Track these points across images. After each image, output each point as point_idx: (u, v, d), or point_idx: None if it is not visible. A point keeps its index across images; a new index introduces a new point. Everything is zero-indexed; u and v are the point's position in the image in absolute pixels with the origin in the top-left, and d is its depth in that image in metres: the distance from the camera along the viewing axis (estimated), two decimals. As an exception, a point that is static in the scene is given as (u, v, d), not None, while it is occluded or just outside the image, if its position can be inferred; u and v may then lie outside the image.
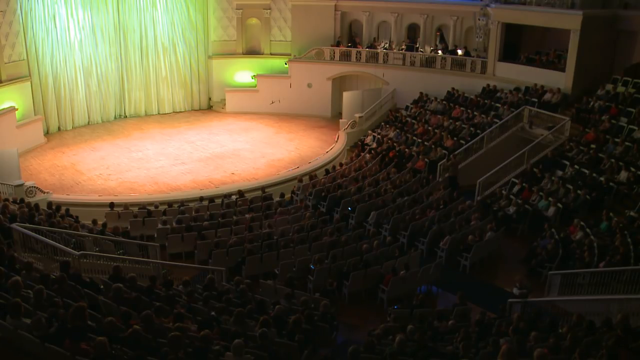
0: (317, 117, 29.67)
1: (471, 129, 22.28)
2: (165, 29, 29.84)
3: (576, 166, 17.69)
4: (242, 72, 31.42)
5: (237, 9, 30.70)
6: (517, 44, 25.52)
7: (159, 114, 30.69)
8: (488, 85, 24.70)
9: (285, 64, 30.26)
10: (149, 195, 19.41)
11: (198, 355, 7.25)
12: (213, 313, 9.13)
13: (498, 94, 23.90)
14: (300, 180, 19.93)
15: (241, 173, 22.05)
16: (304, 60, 30.00)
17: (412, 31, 29.72)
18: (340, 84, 30.33)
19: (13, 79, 24.06)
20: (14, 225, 12.21)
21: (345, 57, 29.38)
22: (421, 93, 26.73)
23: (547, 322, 10.03)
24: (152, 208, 17.11)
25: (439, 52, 27.83)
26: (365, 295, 13.27)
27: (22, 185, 17.87)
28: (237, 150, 24.70)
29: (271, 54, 31.38)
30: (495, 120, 21.89)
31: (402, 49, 28.57)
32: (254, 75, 30.99)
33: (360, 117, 26.37)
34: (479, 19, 25.14)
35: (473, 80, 25.49)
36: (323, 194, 18.57)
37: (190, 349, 7.29)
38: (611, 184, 16.24)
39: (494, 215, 16.98)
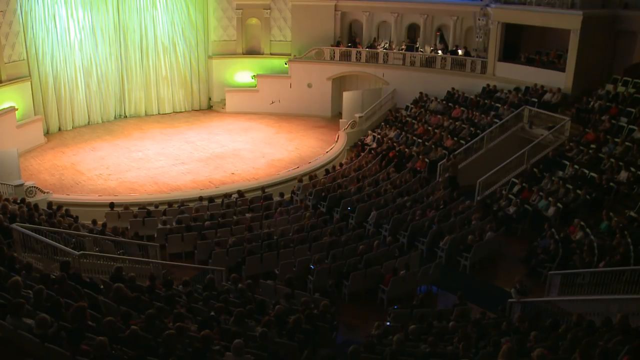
0: (317, 117, 29.68)
1: (471, 129, 22.29)
2: (165, 28, 29.85)
3: (576, 166, 17.68)
4: (242, 72, 31.43)
5: (237, 9, 30.71)
6: (517, 44, 25.52)
7: (159, 114, 30.71)
8: (488, 85, 24.71)
9: (285, 64, 30.27)
10: (149, 195, 19.42)
11: (198, 355, 7.25)
12: (212, 313, 9.12)
13: (498, 94, 23.90)
14: (300, 180, 19.93)
15: (241, 173, 22.06)
16: (304, 60, 30.01)
17: (412, 31, 29.74)
18: (340, 84, 30.34)
19: (13, 79, 24.06)
20: (14, 225, 12.20)
21: (345, 57, 29.39)
22: (421, 93, 26.73)
23: (547, 322, 10.03)
24: (152, 208, 17.12)
25: (439, 52, 27.84)
26: (365, 295, 13.26)
27: (22, 185, 17.87)
28: (237, 150, 24.71)
29: (271, 54, 31.40)
30: (495, 120, 21.89)
31: (402, 49, 28.57)
32: (254, 75, 31.01)
33: (360, 117, 26.37)
34: (479, 19, 25.16)
35: (473, 80, 25.50)
36: (323, 194, 18.57)
37: (190, 349, 7.29)
38: (611, 184, 16.23)
39: (494, 215, 16.98)
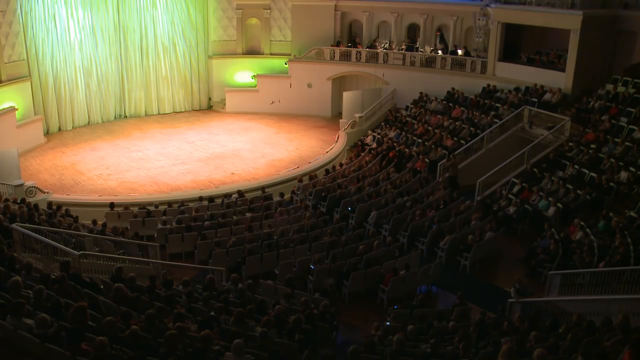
0: (317, 117, 29.68)
1: (471, 129, 22.28)
2: (165, 28, 29.85)
3: (576, 166, 17.69)
4: (242, 72, 31.43)
5: (237, 9, 30.71)
6: (517, 44, 25.53)
7: (159, 114, 30.71)
8: (488, 85, 24.71)
9: (285, 64, 30.27)
10: (149, 195, 19.42)
11: (198, 355, 7.25)
12: (212, 313, 9.13)
13: (498, 94, 23.90)
14: (300, 180, 19.93)
15: (241, 173, 22.06)
16: (304, 60, 30.01)
17: (412, 31, 29.74)
18: (340, 84, 30.34)
19: (13, 79, 24.05)
20: (14, 225, 12.20)
21: (345, 57, 29.39)
22: (421, 93, 26.73)
23: (547, 322, 10.03)
24: (152, 208, 17.12)
25: (439, 52, 27.84)
26: (365, 295, 13.26)
27: (22, 185, 17.88)
28: (237, 150, 24.71)
29: (271, 54, 31.40)
30: (495, 120, 21.88)
31: (402, 49, 28.57)
32: (254, 75, 31.00)
33: (360, 117, 26.38)
34: (479, 19, 25.17)
35: (473, 80, 25.49)
36: (323, 194, 18.57)
37: (190, 349, 7.29)
38: (611, 184, 16.23)
39: (494, 215, 16.97)
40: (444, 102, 25.46)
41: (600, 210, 15.35)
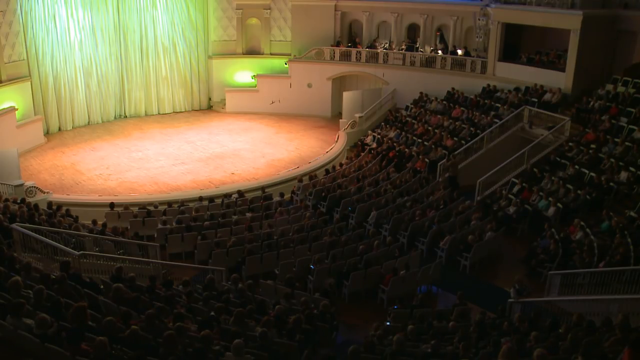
0: (317, 117, 29.68)
1: (471, 129, 22.29)
2: (166, 29, 29.86)
3: (576, 166, 17.69)
4: (242, 72, 31.44)
5: (237, 9, 30.71)
6: (517, 44, 25.54)
7: (159, 114, 30.72)
8: (488, 85, 24.71)
9: (285, 64, 30.28)
10: (149, 195, 19.42)
11: (198, 355, 7.25)
12: (212, 313, 9.13)
13: (498, 94, 23.91)
14: (300, 180, 19.93)
15: (241, 173, 22.06)
16: (304, 60, 30.01)
17: (412, 31, 29.74)
18: (340, 84, 30.35)
19: (13, 79, 24.05)
20: (14, 225, 12.20)
21: (345, 57, 29.40)
22: (421, 93, 26.74)
23: (547, 322, 10.03)
24: (152, 208, 17.12)
25: (439, 52, 27.84)
26: (365, 295, 13.27)
27: (22, 185, 17.88)
28: (237, 150, 24.71)
29: (271, 54, 31.40)
30: (495, 120, 21.89)
31: (402, 49, 28.58)
32: (254, 75, 31.01)
33: (360, 117, 26.38)
34: (479, 19, 25.18)
35: (473, 80, 25.49)
36: (323, 194, 18.57)
37: (190, 349, 7.29)
38: (611, 184, 16.23)
39: (494, 215, 16.98)
40: (444, 102, 25.46)
41: (601, 210, 15.35)
